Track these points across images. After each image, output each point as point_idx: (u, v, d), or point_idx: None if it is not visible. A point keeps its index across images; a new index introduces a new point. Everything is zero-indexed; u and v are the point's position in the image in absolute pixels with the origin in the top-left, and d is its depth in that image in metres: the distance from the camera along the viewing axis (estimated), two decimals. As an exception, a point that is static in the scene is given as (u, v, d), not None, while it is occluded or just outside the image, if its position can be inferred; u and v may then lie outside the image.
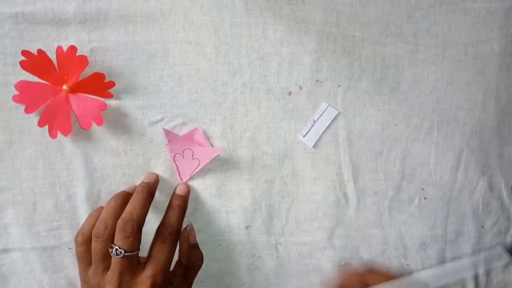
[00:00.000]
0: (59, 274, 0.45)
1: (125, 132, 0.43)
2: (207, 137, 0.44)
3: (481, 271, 0.49)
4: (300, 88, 0.44)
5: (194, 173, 0.44)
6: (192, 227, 0.43)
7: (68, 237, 0.44)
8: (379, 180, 0.47)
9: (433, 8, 0.44)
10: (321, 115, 0.45)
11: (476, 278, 0.50)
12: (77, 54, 0.39)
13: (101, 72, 0.40)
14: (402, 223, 0.48)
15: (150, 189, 0.41)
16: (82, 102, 0.40)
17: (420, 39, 0.44)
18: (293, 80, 0.44)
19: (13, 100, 0.40)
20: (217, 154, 0.44)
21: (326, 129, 0.45)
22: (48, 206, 0.43)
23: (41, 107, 0.40)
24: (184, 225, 0.43)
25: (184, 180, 0.44)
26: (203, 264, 0.43)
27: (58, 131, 0.40)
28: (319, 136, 0.45)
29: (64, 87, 0.40)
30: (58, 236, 0.44)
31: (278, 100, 0.44)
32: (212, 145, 0.44)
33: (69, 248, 0.44)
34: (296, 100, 0.44)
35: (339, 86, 0.45)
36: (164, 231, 0.40)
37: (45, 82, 0.40)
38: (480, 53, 0.45)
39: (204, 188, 0.45)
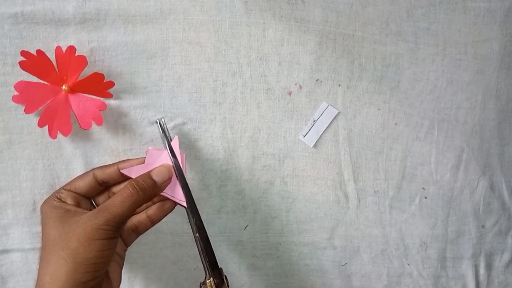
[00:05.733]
0: (58, 275, 0.45)
1: (125, 132, 0.43)
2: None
3: (482, 270, 0.49)
4: (300, 87, 0.44)
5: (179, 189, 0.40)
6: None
7: (68, 237, 0.44)
8: (379, 179, 0.46)
9: (433, 7, 0.44)
10: (321, 115, 0.45)
11: (477, 278, 0.49)
12: (76, 54, 0.39)
13: (100, 72, 0.40)
14: (402, 222, 0.47)
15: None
16: (82, 102, 0.40)
17: (420, 37, 0.44)
18: (293, 80, 0.44)
19: (13, 101, 0.40)
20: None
21: (326, 128, 0.45)
22: (47, 207, 0.43)
23: (41, 107, 0.40)
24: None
25: (185, 203, 0.39)
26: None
27: (58, 131, 0.40)
28: (319, 136, 0.45)
29: (63, 87, 0.40)
30: (58, 236, 0.44)
31: (278, 100, 0.44)
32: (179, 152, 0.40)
33: (69, 249, 0.44)
34: (296, 100, 0.44)
35: (339, 85, 0.45)
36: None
37: (45, 83, 0.40)
38: (480, 53, 0.45)
39: (204, 189, 0.45)
